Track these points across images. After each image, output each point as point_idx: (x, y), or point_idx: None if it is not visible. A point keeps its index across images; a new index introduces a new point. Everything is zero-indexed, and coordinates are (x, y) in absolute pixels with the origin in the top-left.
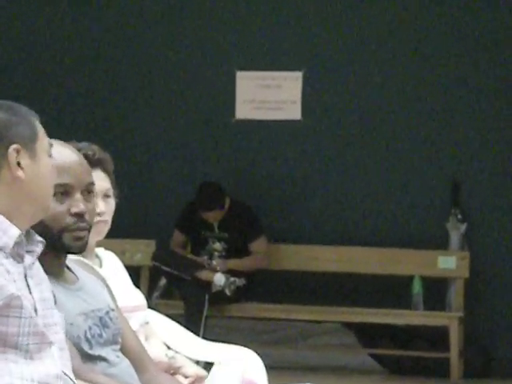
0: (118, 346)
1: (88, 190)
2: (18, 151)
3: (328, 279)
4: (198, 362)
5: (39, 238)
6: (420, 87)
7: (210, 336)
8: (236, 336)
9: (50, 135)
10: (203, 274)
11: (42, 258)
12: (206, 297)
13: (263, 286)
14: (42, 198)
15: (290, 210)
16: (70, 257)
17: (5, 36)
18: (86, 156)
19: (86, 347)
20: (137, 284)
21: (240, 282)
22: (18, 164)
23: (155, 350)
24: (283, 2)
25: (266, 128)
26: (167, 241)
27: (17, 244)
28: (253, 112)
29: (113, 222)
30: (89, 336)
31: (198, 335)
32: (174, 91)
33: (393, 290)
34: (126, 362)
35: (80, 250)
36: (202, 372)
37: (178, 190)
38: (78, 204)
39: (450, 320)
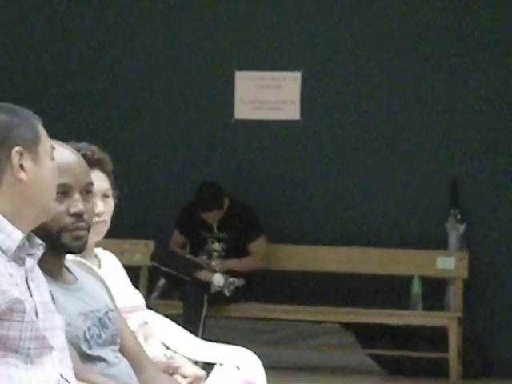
0: (117, 347)
1: (87, 190)
2: (20, 154)
3: (327, 279)
4: (196, 363)
5: (40, 241)
6: (419, 87)
7: (208, 336)
8: (235, 336)
9: (50, 135)
10: (202, 275)
11: (40, 258)
12: (205, 297)
13: (262, 286)
14: (44, 200)
15: (288, 211)
16: (69, 257)
17: (4, 36)
18: (85, 156)
19: (84, 347)
20: (136, 284)
21: (239, 282)
22: (21, 166)
23: (154, 350)
24: (282, 2)
25: (265, 128)
26: (166, 241)
27: (19, 247)
28: (252, 112)
29: (112, 222)
30: (88, 336)
31: (197, 335)
32: (173, 91)
33: (392, 290)
34: (124, 363)
35: (79, 250)
36: (200, 372)
37: (177, 190)
38: (76, 204)
39: (448, 320)
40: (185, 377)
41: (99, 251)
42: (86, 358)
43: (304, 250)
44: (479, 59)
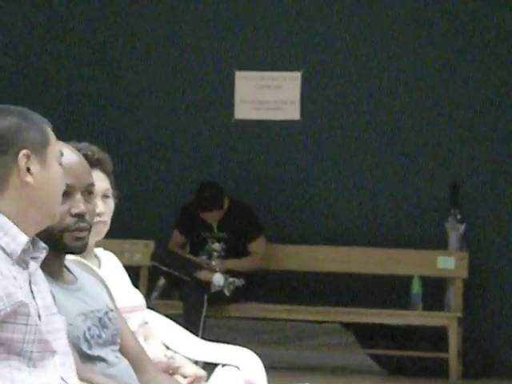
0: (117, 347)
1: (88, 191)
2: (28, 157)
3: (327, 279)
4: (196, 362)
5: (43, 245)
6: (419, 87)
7: (208, 336)
8: (235, 336)
9: None
10: (202, 275)
11: None
12: (205, 297)
13: (262, 286)
14: (50, 204)
15: (288, 211)
16: (69, 257)
17: (4, 36)
18: (85, 156)
19: (84, 347)
20: (136, 284)
21: (239, 282)
22: (28, 170)
23: (154, 350)
24: (282, 3)
25: (264, 128)
26: (166, 241)
27: (24, 251)
28: (252, 112)
29: (112, 222)
30: (88, 336)
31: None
32: (173, 91)
33: (392, 290)
34: (124, 363)
35: (80, 251)
36: (200, 372)
37: (177, 190)
38: (78, 205)
39: (448, 320)
40: (185, 377)
41: (99, 251)
42: (86, 358)
43: (304, 250)
44: (480, 60)
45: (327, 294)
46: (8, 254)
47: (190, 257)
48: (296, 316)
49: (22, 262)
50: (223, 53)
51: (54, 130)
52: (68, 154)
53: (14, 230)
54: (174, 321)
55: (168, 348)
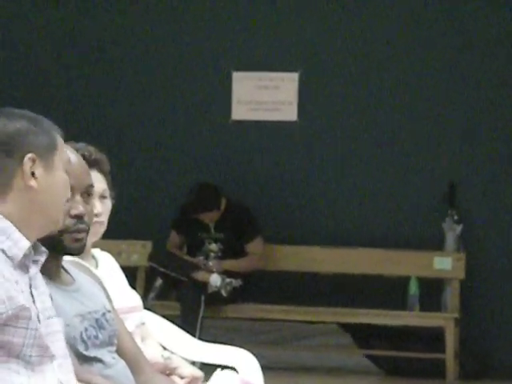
0: (114, 348)
1: (87, 192)
2: (33, 160)
3: (324, 280)
4: (193, 363)
5: (43, 248)
6: (417, 88)
7: (206, 337)
8: (232, 337)
9: None
10: (199, 275)
11: None
12: (202, 298)
13: (259, 286)
14: (53, 210)
15: (285, 211)
16: (67, 258)
17: (4, 36)
18: (82, 157)
19: (81, 348)
20: (133, 285)
21: (236, 282)
22: (33, 174)
23: (151, 351)
24: (280, 3)
25: (262, 129)
26: (163, 242)
27: (25, 255)
28: (249, 113)
29: (109, 222)
30: (85, 337)
31: (194, 336)
32: (170, 92)
33: (389, 291)
34: (121, 364)
35: (79, 252)
36: (197, 373)
37: (175, 190)
38: (77, 206)
39: (445, 321)
40: (182, 377)
41: (96, 252)
42: (83, 358)
43: (301, 251)
44: (477, 62)
45: (324, 294)
46: (9, 258)
47: (187, 257)
48: (293, 316)
49: (23, 265)
50: (221, 53)
51: None
52: (68, 155)
53: (17, 234)
54: (171, 321)
55: (165, 349)
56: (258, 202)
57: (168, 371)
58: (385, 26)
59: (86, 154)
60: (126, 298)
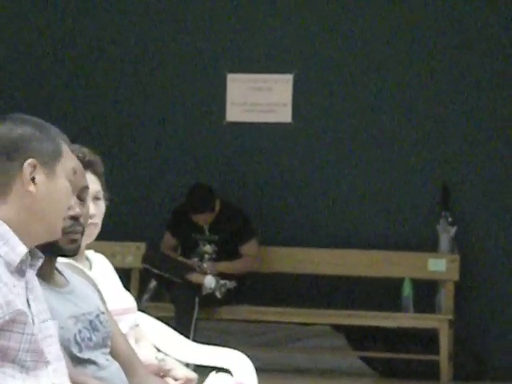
0: (108, 350)
1: (83, 194)
2: (33, 166)
3: (318, 282)
4: (187, 365)
5: (40, 254)
6: (410, 91)
7: (200, 338)
8: (226, 338)
9: None
10: (193, 277)
11: None
12: (197, 299)
13: (254, 288)
14: (52, 218)
15: (280, 213)
16: (61, 260)
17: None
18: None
19: (75, 350)
20: (127, 286)
21: (230, 284)
22: (33, 179)
23: (145, 353)
24: (274, 5)
25: (256, 130)
26: (158, 243)
27: (22, 261)
28: (243, 114)
29: (103, 224)
30: (78, 339)
31: (188, 338)
32: (164, 93)
33: (383, 293)
34: (115, 365)
35: (74, 253)
36: (191, 374)
37: (169, 192)
38: (74, 207)
39: (439, 322)
40: (176, 379)
41: (90, 253)
42: (77, 360)
43: (296, 253)
44: (472, 64)
45: (318, 296)
46: (6, 263)
47: (181, 259)
48: (287, 318)
49: (19, 270)
50: (215, 55)
51: None
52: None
53: (14, 240)
54: (165, 323)
55: (159, 350)
56: (252, 204)
57: (162, 373)
58: (380, 28)
59: (80, 155)
60: (119, 299)
